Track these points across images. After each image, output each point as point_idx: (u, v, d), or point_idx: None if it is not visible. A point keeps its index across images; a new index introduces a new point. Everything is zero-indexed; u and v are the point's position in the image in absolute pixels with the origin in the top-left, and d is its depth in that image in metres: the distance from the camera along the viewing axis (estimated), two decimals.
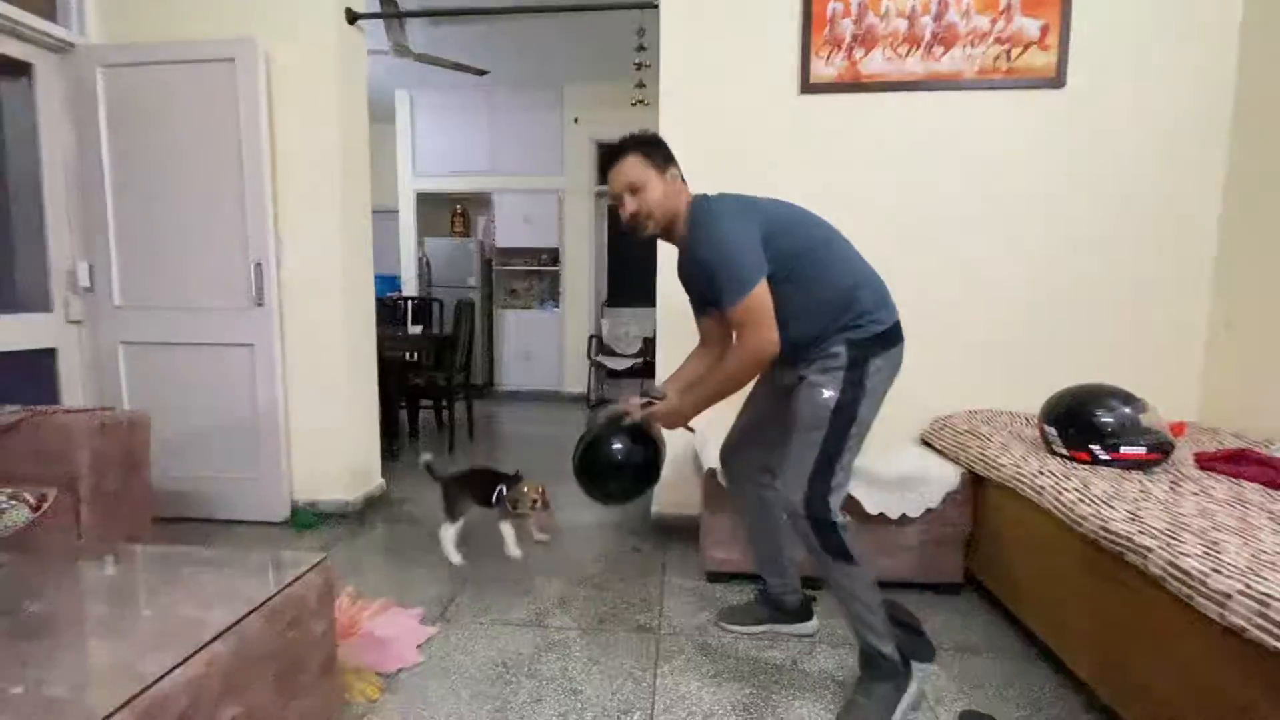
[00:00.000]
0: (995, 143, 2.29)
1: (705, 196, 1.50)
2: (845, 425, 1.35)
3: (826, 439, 1.36)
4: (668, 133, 2.37)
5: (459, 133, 5.71)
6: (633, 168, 1.47)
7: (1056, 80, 2.23)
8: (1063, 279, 2.31)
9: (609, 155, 1.51)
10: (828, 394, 1.36)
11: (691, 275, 1.57)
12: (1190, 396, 2.32)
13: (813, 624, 1.78)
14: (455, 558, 2.07)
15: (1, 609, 1.06)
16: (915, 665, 1.46)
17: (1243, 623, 0.99)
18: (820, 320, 1.40)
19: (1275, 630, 0.94)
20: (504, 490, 2.00)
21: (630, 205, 1.48)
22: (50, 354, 2.49)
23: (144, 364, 2.57)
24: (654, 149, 1.49)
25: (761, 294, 1.34)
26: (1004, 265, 2.33)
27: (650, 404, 1.58)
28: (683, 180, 1.53)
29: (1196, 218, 2.27)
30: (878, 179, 2.33)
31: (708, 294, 1.47)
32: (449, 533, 2.08)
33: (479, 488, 2.07)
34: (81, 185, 2.51)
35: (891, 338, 1.41)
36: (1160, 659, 1.22)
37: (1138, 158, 2.26)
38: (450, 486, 2.11)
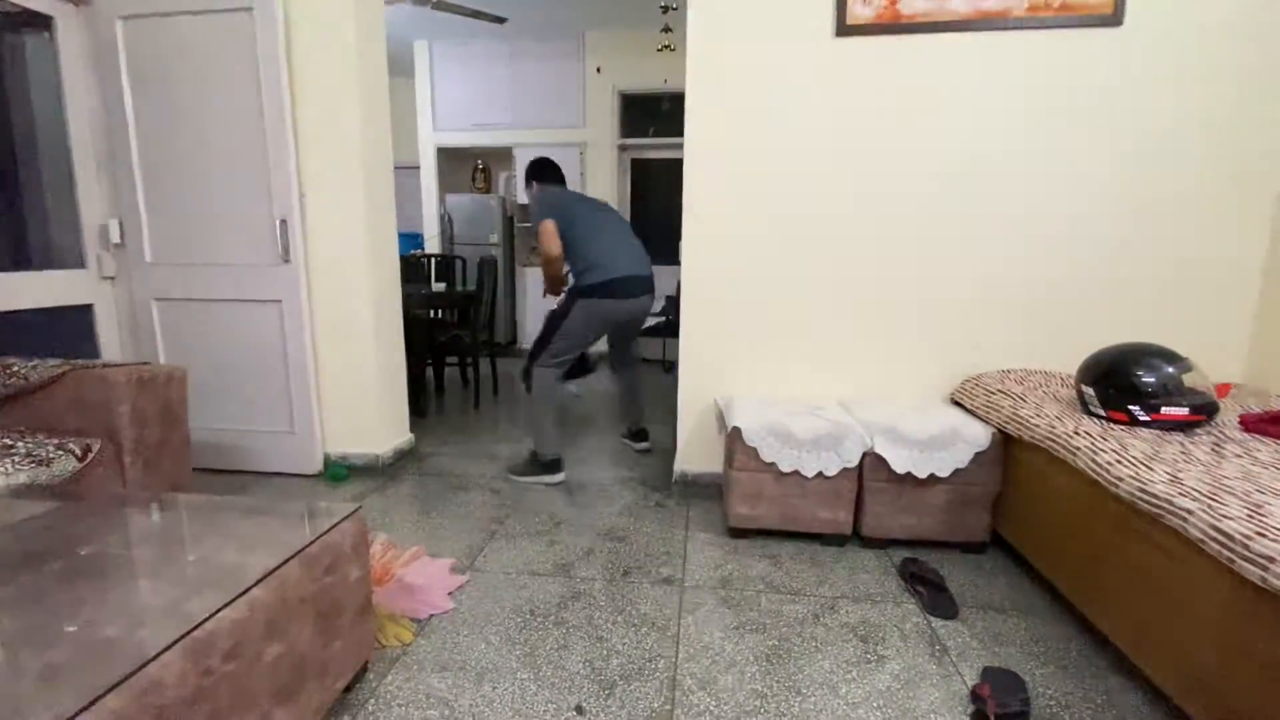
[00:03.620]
0: (1044, 87, 2.16)
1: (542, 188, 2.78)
2: (558, 323, 2.57)
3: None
4: (696, 84, 2.29)
5: (479, 84, 5.60)
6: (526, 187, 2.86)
7: (1113, 17, 2.08)
8: (1108, 233, 2.21)
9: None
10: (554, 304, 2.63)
11: None
12: (1238, 357, 2.24)
13: (646, 444, 3.04)
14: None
15: (55, 552, 1.11)
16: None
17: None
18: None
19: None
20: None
21: None
22: (87, 310, 2.55)
23: (178, 320, 2.62)
24: (528, 176, 2.83)
25: (549, 225, 2.57)
26: (1047, 218, 2.23)
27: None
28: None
29: (1256, 172, 2.14)
30: (918, 127, 2.23)
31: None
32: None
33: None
34: (108, 141, 2.51)
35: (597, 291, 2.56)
36: (1194, 621, 1.20)
37: (1196, 104, 2.12)
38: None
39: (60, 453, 1.61)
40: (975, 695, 1.33)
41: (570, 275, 2.63)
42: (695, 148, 2.32)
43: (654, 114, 5.50)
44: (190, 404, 2.04)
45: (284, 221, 2.46)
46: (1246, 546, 1.05)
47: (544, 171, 2.78)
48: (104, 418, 1.77)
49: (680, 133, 2.34)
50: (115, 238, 2.56)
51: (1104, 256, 2.22)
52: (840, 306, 2.35)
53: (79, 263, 2.53)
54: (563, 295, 2.64)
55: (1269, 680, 1.03)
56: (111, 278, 2.59)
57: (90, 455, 1.67)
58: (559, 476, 2.59)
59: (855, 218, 2.29)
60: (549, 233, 2.53)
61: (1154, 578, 1.31)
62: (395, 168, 2.81)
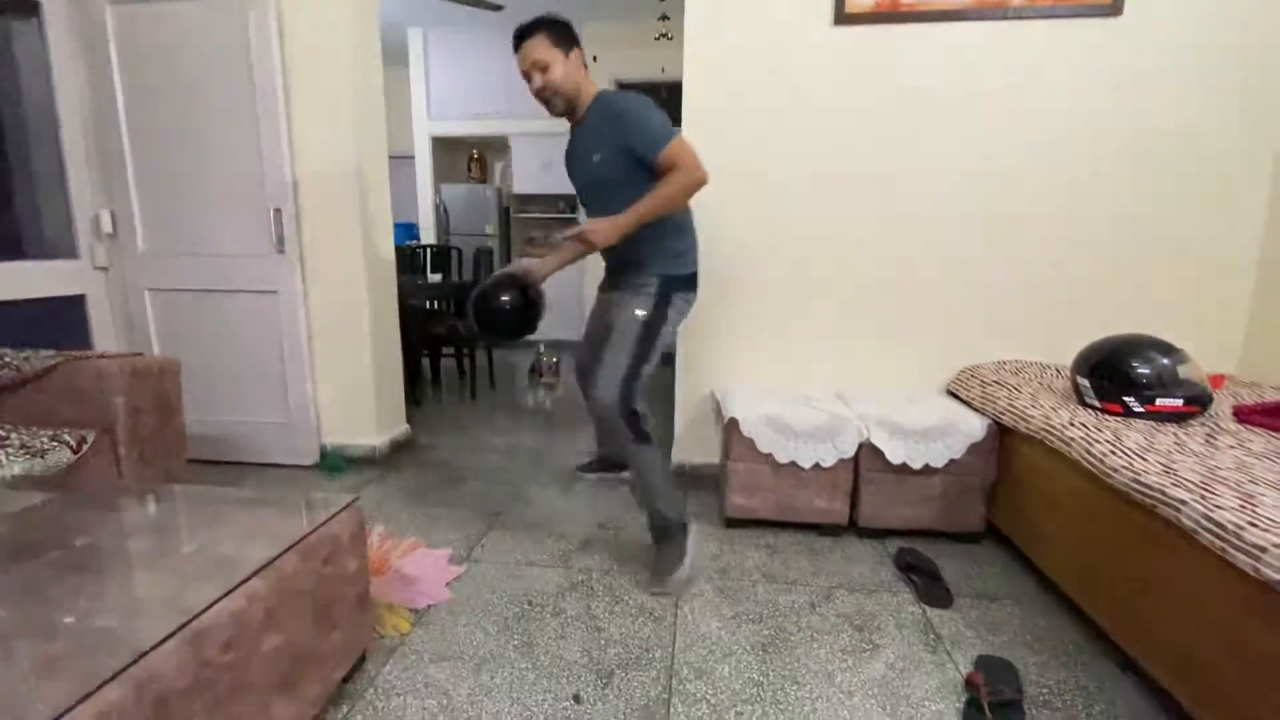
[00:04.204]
0: (1041, 77, 2.15)
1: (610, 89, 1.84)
2: (652, 336, 1.74)
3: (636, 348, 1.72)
4: (693, 73, 2.27)
5: (475, 73, 5.54)
6: (538, 47, 1.65)
7: (1112, 7, 2.07)
8: (1104, 225, 2.21)
9: (519, 34, 1.67)
10: (640, 312, 1.73)
11: (584, 153, 1.76)
12: (1233, 348, 2.25)
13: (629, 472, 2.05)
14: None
15: (51, 543, 1.11)
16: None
17: (1277, 575, 0.98)
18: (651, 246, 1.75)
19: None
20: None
21: (536, 81, 1.68)
22: (80, 300, 2.53)
23: (172, 311, 2.60)
24: (560, 30, 1.67)
25: (685, 139, 1.65)
26: (1044, 210, 2.23)
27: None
28: (585, 67, 1.74)
29: (1251, 164, 2.14)
30: (916, 117, 2.22)
31: (600, 171, 1.72)
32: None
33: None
34: (98, 129, 2.49)
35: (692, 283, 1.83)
36: (1186, 611, 1.21)
37: (1192, 95, 2.11)
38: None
39: (55, 444, 1.60)
40: (969, 683, 1.34)
41: (649, 254, 1.76)
42: (693, 138, 2.30)
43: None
44: (185, 395, 2.03)
45: (278, 211, 2.44)
46: (1239, 536, 1.06)
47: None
48: (98, 409, 1.76)
49: (678, 122, 2.32)
50: (107, 228, 2.53)
51: (1100, 248, 2.23)
52: (837, 298, 2.35)
53: (71, 253, 2.50)
54: (650, 286, 1.74)
55: (1261, 670, 1.05)
56: (104, 268, 2.57)
57: (85, 447, 1.66)
58: (693, 534, 1.81)
59: (853, 208, 2.28)
60: (689, 145, 1.63)
61: (1147, 568, 1.32)
62: (389, 157, 2.78)
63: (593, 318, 2.03)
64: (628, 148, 1.63)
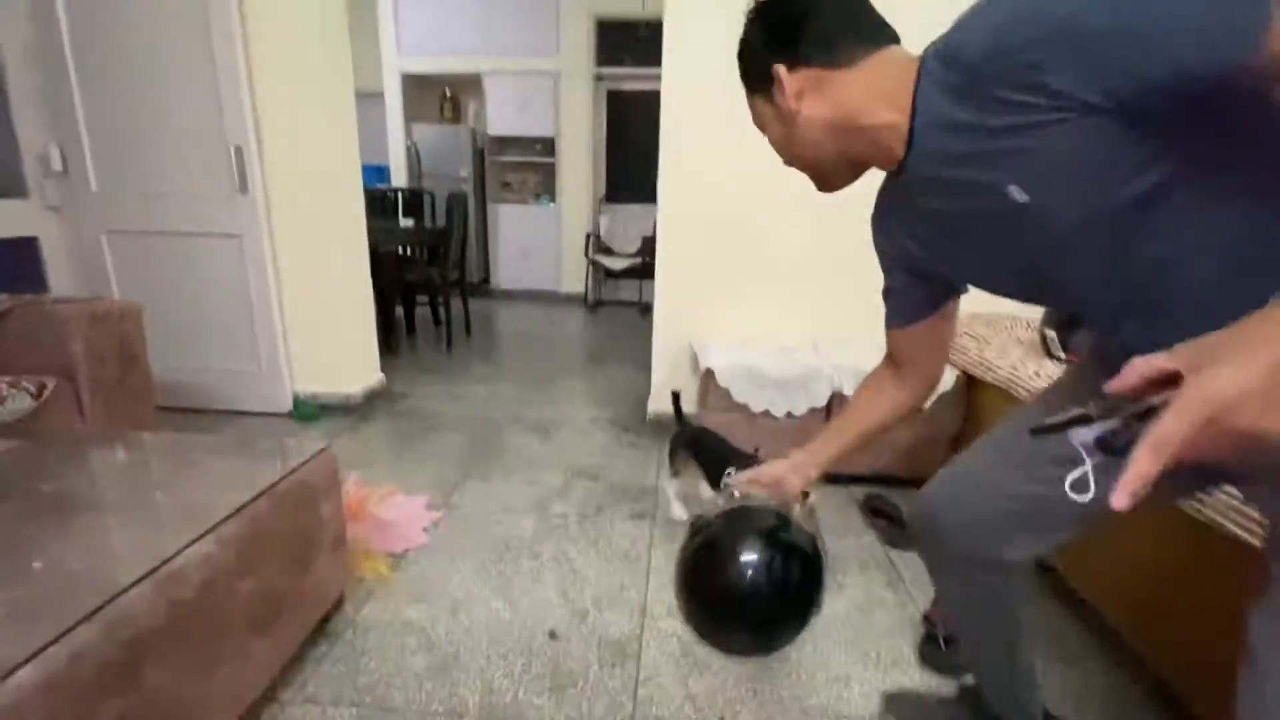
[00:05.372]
0: None
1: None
2: None
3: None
4: (675, 10, 2.17)
5: (447, 5, 5.26)
6: (749, 101, 0.82)
7: None
8: None
9: None
10: None
11: (965, 194, 0.65)
12: None
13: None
14: (680, 514, 1.79)
15: (16, 490, 1.09)
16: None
17: (1218, 518, 1.03)
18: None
19: (1248, 525, 0.98)
20: (732, 473, 1.26)
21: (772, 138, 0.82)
22: (32, 243, 2.41)
23: (131, 254, 2.50)
24: (751, 54, 0.77)
25: None
26: None
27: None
28: (840, 63, 0.71)
29: None
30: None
31: (1051, 199, 0.59)
32: (672, 488, 1.82)
33: (710, 464, 1.53)
34: (43, 65, 2.32)
35: None
36: (1134, 553, 1.28)
37: None
38: (679, 446, 1.76)
39: (14, 391, 1.55)
40: (926, 619, 1.42)
41: None
42: (673, 80, 2.23)
43: (631, 42, 5.26)
44: (151, 341, 1.97)
45: (239, 149, 2.33)
46: None
47: None
48: (57, 355, 1.71)
49: (659, 63, 2.25)
50: (57, 165, 2.40)
51: None
52: (815, 249, 2.34)
53: (21, 191, 2.37)
54: None
55: (1198, 604, 1.12)
56: (56, 208, 2.45)
57: (45, 393, 1.61)
58: None
59: None
60: None
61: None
62: (357, 95, 2.66)
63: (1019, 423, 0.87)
64: (1114, 87, 0.50)
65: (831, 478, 2.12)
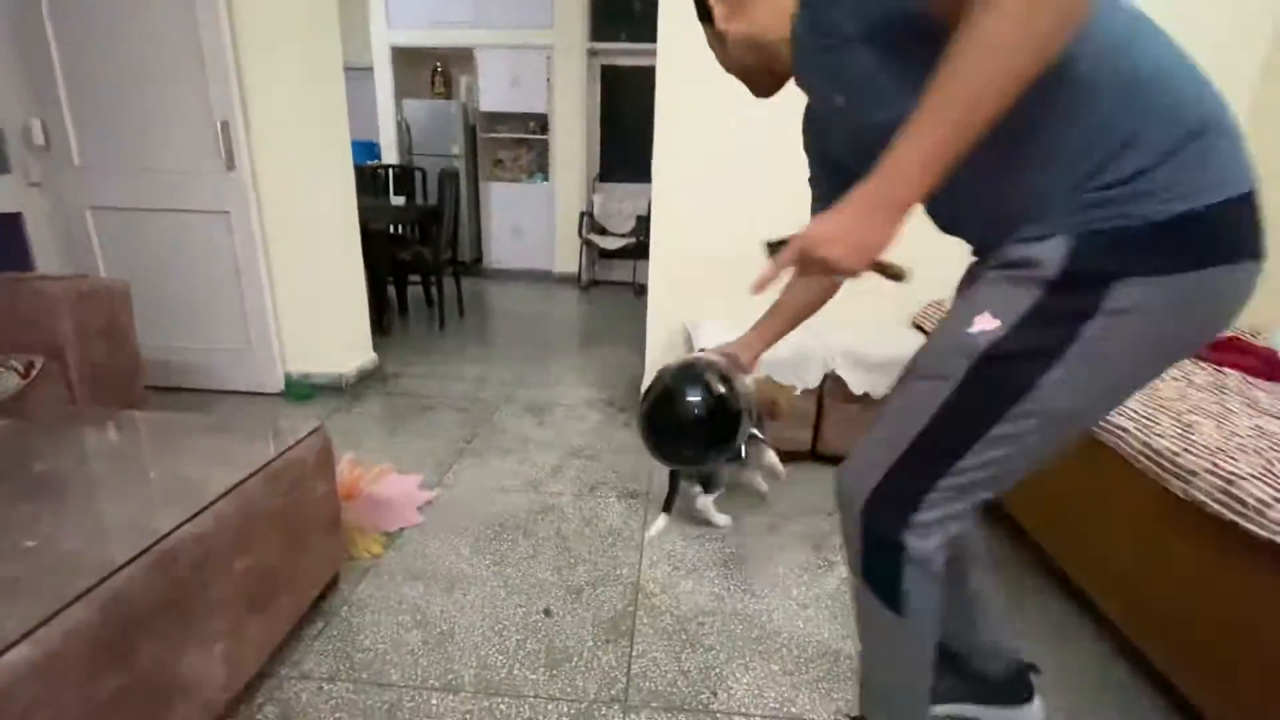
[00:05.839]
0: None
1: None
2: (1003, 393, 0.70)
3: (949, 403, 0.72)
4: None
5: None
6: (704, 32, 0.92)
7: None
8: None
9: None
10: (982, 326, 0.71)
11: (822, 98, 0.83)
12: None
13: (1035, 709, 1.03)
14: (721, 520, 1.75)
15: (6, 469, 1.08)
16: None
17: (1204, 498, 1.05)
18: (1047, 170, 0.67)
19: (1234, 505, 0.99)
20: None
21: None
22: (16, 219, 2.37)
23: (117, 231, 2.46)
24: None
25: None
26: None
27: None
28: None
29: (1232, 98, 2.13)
30: None
31: (854, 102, 0.74)
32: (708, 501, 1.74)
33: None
34: (22, 36, 2.25)
35: (1203, 241, 0.64)
36: (1120, 532, 1.30)
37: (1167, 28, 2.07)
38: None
39: (1, 370, 1.54)
40: None
41: (1059, 156, 0.66)
42: (669, 55, 2.19)
43: (627, 16, 5.16)
44: (140, 320, 1.95)
45: (225, 124, 2.28)
46: (1173, 462, 1.12)
47: None
48: (44, 334, 1.69)
49: (654, 38, 2.21)
50: (39, 140, 2.35)
51: None
52: None
53: (3, 167, 2.32)
54: (1041, 260, 0.68)
55: (1181, 582, 1.14)
56: (38, 184, 2.40)
57: (33, 372, 1.60)
58: None
59: None
60: None
61: (1087, 491, 1.40)
62: (346, 69, 2.60)
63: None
64: (858, 23, 0.68)
65: (823, 458, 2.14)
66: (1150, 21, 0.68)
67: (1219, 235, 0.63)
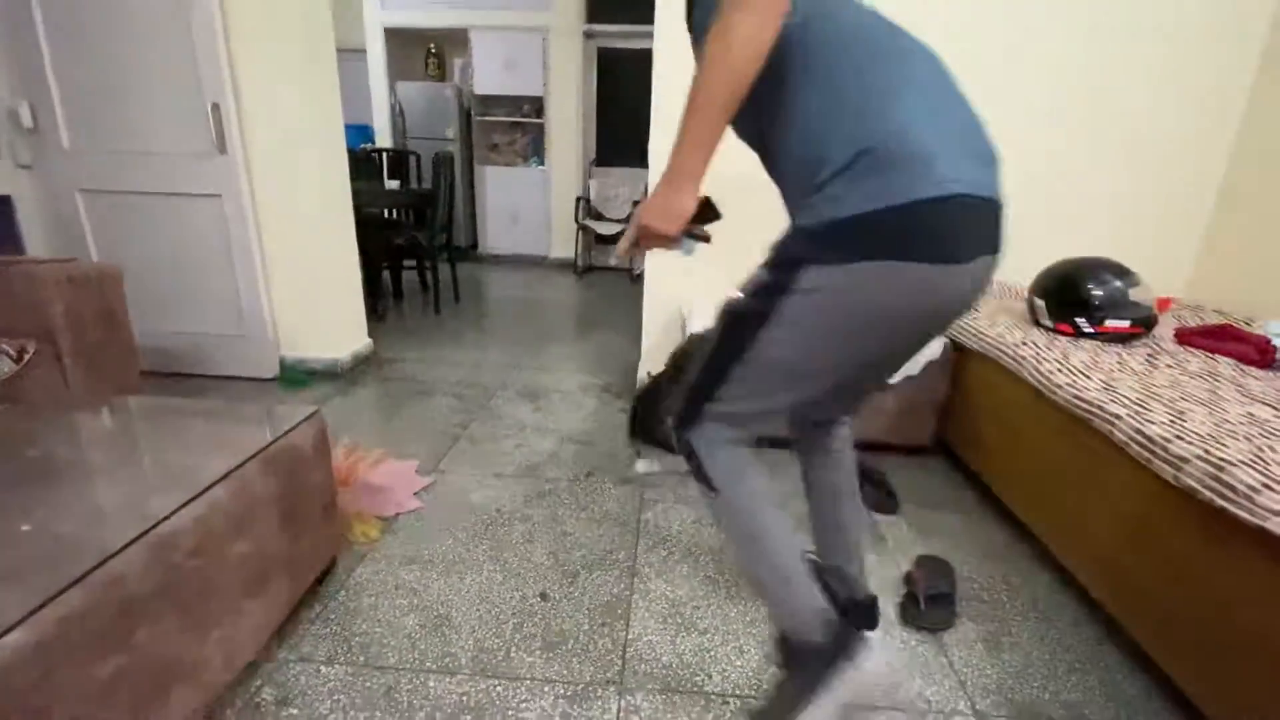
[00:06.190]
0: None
1: None
2: (737, 344, 0.92)
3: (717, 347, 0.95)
4: None
5: None
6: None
7: None
8: (1066, 147, 2.20)
9: None
10: (732, 295, 0.95)
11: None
12: (1182, 272, 2.32)
13: (870, 639, 0.98)
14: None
15: (1, 454, 1.08)
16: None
17: (1194, 484, 1.06)
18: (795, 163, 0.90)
19: (1224, 491, 1.00)
20: None
21: None
22: (6, 203, 2.34)
23: (108, 214, 2.43)
24: None
25: None
26: (1006, 131, 2.19)
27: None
28: None
29: (1217, 90, 2.12)
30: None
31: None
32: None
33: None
34: (8, 16, 2.21)
35: (875, 236, 0.79)
36: (1111, 518, 1.31)
37: (1156, 17, 2.05)
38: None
39: None
40: (908, 579, 1.45)
41: (788, 177, 0.95)
42: (667, 36, 2.17)
43: None
44: (134, 304, 1.94)
45: (216, 106, 2.26)
46: (1165, 449, 1.13)
47: None
48: (36, 318, 1.67)
49: (651, 20, 2.18)
50: (27, 122, 2.31)
51: (1063, 170, 2.23)
52: None
53: None
54: (777, 248, 0.92)
55: (1170, 567, 1.15)
56: (27, 166, 2.37)
57: (26, 357, 1.59)
58: (859, 662, 0.95)
59: None
60: None
61: (1080, 478, 1.42)
62: (339, 50, 2.57)
63: None
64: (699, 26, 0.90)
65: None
66: (864, 51, 0.86)
67: (883, 236, 0.78)
